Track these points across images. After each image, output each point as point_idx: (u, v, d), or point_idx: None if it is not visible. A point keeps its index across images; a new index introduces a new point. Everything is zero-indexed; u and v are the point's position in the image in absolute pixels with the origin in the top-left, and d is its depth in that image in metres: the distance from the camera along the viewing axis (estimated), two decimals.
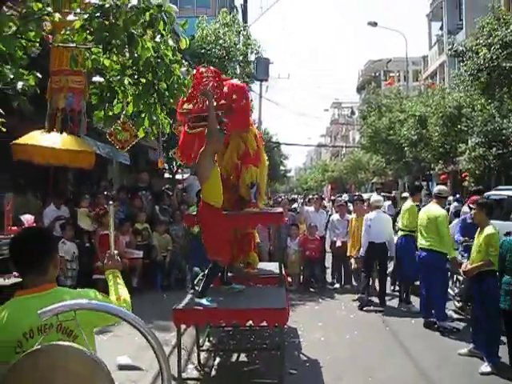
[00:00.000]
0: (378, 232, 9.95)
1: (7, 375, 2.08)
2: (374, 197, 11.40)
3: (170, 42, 3.48)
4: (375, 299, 10.18)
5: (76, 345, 2.20)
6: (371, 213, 10.37)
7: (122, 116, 3.71)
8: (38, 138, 10.02)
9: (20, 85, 3.35)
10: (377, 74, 59.63)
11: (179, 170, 18.17)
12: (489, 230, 6.64)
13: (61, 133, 8.01)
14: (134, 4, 3.16)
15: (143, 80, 3.43)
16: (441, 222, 8.08)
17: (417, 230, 8.86)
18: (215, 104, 6.17)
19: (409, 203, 9.86)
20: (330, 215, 13.22)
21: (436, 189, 9.20)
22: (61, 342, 2.20)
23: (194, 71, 6.49)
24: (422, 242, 8.38)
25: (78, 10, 3.32)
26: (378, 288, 10.27)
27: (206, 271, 6.00)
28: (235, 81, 6.95)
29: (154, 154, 14.03)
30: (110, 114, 3.59)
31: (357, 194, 23.05)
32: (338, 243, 11.88)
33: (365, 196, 16.06)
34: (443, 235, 8.03)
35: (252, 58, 18.89)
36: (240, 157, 6.81)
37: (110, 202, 2.85)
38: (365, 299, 9.87)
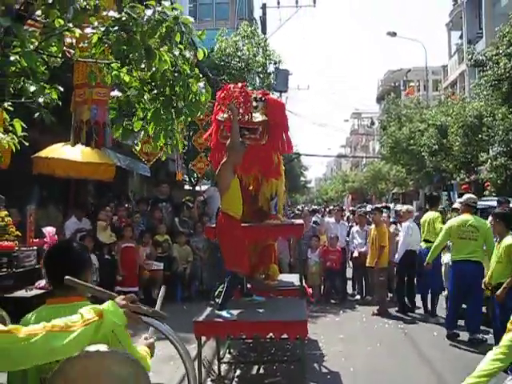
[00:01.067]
0: (416, 240, 10.18)
1: (52, 379, 2.12)
2: (407, 207, 11.40)
3: (187, 55, 3.48)
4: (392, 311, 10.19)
5: (117, 348, 2.24)
6: (409, 221, 10.53)
7: (142, 134, 3.72)
8: (58, 151, 10.14)
9: (42, 99, 3.39)
10: (396, 84, 59.35)
11: (199, 182, 18.24)
12: (508, 240, 6.55)
13: (86, 146, 8.06)
14: (150, 16, 3.18)
15: (161, 97, 3.44)
16: (489, 234, 7.84)
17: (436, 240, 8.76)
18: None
19: (431, 213, 9.80)
20: (350, 226, 13.15)
21: (466, 198, 8.73)
22: (101, 347, 2.22)
23: (222, 89, 6.69)
24: (460, 254, 8.07)
25: (96, 24, 3.35)
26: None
27: (226, 283, 5.99)
28: (277, 97, 7.07)
29: (174, 165, 14.09)
30: (130, 128, 3.61)
31: (383, 204, 22.96)
32: (355, 253, 11.88)
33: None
34: (490, 245, 7.68)
35: (271, 69, 18.96)
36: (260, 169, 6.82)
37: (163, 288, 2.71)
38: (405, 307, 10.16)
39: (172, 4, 3.46)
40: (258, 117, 6.40)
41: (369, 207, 24.15)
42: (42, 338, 1.99)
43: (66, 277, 2.42)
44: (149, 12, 3.18)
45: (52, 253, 2.83)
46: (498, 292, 6.67)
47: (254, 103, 6.52)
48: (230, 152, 5.92)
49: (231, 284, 5.96)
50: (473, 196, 8.98)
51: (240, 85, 6.72)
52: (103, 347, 2.20)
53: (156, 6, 3.20)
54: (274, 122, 6.53)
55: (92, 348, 2.15)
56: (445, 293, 9.66)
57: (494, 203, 11.03)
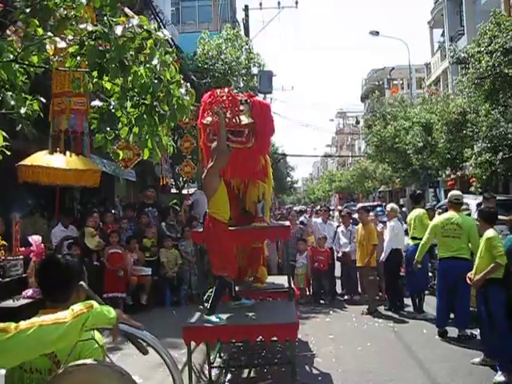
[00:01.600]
0: (401, 238, 10.48)
1: None
2: (392, 205, 11.46)
3: (169, 59, 3.45)
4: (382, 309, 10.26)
5: (103, 361, 2.25)
6: (394, 220, 10.66)
7: (130, 139, 3.70)
8: (42, 158, 10.07)
9: (23, 110, 3.36)
10: (380, 83, 59.63)
11: (185, 185, 18.19)
12: (488, 233, 6.61)
13: (64, 154, 8.05)
14: (122, 32, 3.16)
15: (145, 102, 3.43)
16: (473, 231, 7.94)
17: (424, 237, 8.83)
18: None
19: (417, 211, 9.87)
20: (338, 226, 13.18)
21: (450, 195, 8.82)
22: (87, 361, 2.24)
23: (209, 93, 6.67)
24: (447, 252, 8.16)
25: (71, 37, 3.33)
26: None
27: (214, 288, 5.99)
28: (262, 100, 7.03)
29: (159, 170, 14.05)
30: (109, 138, 3.59)
31: (376, 203, 23.16)
32: (340, 254, 12.04)
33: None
34: (474, 243, 7.71)
35: (255, 71, 18.95)
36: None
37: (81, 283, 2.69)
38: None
39: (154, 9, 3.44)
40: (243, 120, 6.38)
41: (359, 205, 24.07)
42: (34, 331, 2.06)
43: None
44: (119, 28, 3.15)
45: (45, 264, 2.85)
46: (475, 278, 6.69)
47: (241, 107, 6.52)
48: (216, 156, 5.89)
49: (219, 288, 5.96)
50: (456, 192, 9.02)
51: (227, 89, 6.71)
52: (90, 360, 2.19)
53: (127, 23, 3.18)
54: (260, 124, 6.52)
55: (79, 362, 2.15)
56: None
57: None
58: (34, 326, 2.07)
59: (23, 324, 2.09)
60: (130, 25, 3.15)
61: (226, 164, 6.04)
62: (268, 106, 7.16)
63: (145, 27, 3.20)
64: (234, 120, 6.32)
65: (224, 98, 6.40)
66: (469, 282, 6.90)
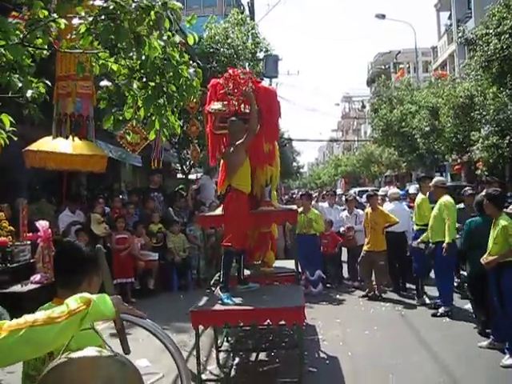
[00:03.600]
0: (403, 222, 10.44)
1: None
2: (392, 189, 11.48)
3: (177, 39, 3.44)
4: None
5: (101, 349, 2.19)
6: (389, 204, 10.90)
7: (134, 120, 3.69)
8: (49, 144, 10.08)
9: (30, 93, 3.34)
10: (386, 67, 59.32)
11: (192, 170, 18.19)
12: (503, 222, 6.57)
13: (67, 138, 8.04)
14: (138, 3, 3.13)
15: (151, 83, 3.41)
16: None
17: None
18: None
19: (419, 197, 9.83)
20: (343, 209, 13.16)
21: (436, 180, 9.40)
22: (86, 351, 2.18)
23: (230, 71, 6.61)
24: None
25: (83, 14, 3.30)
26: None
27: (222, 263, 6.00)
28: (267, 85, 6.96)
29: (167, 154, 14.05)
30: (120, 118, 3.57)
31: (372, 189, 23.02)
32: (342, 229, 12.03)
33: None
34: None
35: (261, 55, 18.84)
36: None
37: (98, 246, 2.60)
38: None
39: None
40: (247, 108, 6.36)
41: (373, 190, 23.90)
42: (26, 332, 1.91)
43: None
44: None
45: (56, 253, 2.84)
46: (489, 259, 6.65)
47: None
48: (249, 134, 6.00)
49: (225, 261, 5.99)
50: (441, 178, 9.50)
51: (246, 70, 6.67)
52: (91, 351, 2.16)
53: None
54: (266, 111, 6.48)
55: (79, 353, 2.12)
56: None
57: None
58: (24, 327, 1.91)
59: (14, 324, 1.93)
60: None
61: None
62: (273, 91, 7.09)
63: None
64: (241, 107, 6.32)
65: (245, 80, 6.38)
66: (483, 262, 6.89)
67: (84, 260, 2.71)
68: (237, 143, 6.04)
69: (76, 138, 8.34)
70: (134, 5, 3.11)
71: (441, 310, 8.54)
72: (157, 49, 3.22)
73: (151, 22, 3.18)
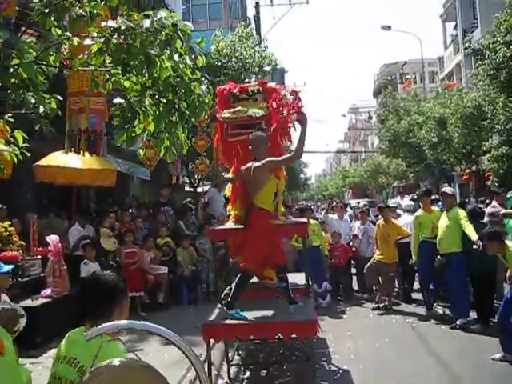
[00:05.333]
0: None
1: None
2: (406, 201, 11.54)
3: (188, 61, 3.46)
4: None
5: (138, 359, 2.20)
6: (407, 216, 11.21)
7: (145, 135, 3.72)
8: (59, 158, 10.14)
9: (42, 109, 3.38)
10: (393, 78, 59.38)
11: (200, 183, 18.21)
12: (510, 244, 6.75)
13: (81, 153, 8.07)
14: (148, 26, 3.17)
15: (164, 100, 3.43)
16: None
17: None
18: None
19: (418, 212, 9.73)
20: (351, 220, 13.14)
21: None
22: (115, 360, 2.17)
23: (272, 84, 6.57)
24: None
25: (95, 34, 3.34)
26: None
27: (236, 281, 5.93)
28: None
29: (173, 168, 14.06)
30: (133, 134, 3.60)
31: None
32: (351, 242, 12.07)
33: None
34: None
35: (267, 68, 18.94)
36: None
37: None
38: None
39: (167, 8, 3.44)
40: (256, 112, 6.30)
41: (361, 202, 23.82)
42: None
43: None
44: (147, 21, 3.17)
45: (85, 285, 2.89)
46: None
47: (256, 96, 6.46)
48: (291, 157, 6.02)
49: (242, 281, 5.87)
50: (450, 188, 9.93)
51: (291, 89, 6.45)
52: (117, 359, 2.16)
53: (154, 16, 3.19)
54: (279, 108, 6.25)
55: (106, 362, 2.11)
56: None
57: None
58: None
59: None
60: (158, 17, 3.16)
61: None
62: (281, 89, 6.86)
63: (174, 18, 3.20)
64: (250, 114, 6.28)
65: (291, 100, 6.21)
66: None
67: (114, 291, 2.74)
68: (267, 161, 5.87)
69: (86, 153, 8.38)
70: (145, 26, 3.14)
71: (458, 321, 8.42)
72: (168, 69, 3.25)
73: (162, 43, 3.21)
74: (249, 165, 6.01)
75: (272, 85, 6.77)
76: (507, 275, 6.94)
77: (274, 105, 6.25)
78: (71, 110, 7.70)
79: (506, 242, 6.91)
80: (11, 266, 4.03)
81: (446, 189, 9.45)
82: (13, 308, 3.61)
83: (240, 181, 6.36)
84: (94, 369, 2.06)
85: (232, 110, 6.42)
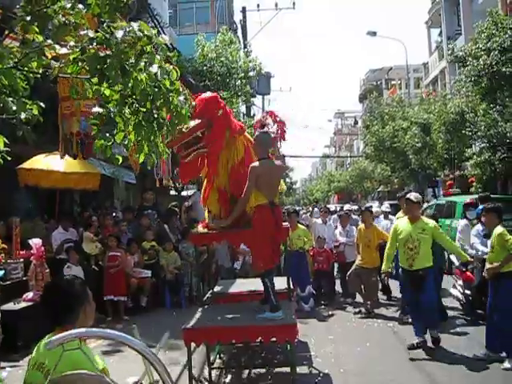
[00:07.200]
0: None
1: None
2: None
3: (161, 75, 3.45)
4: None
5: (89, 372, 2.23)
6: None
7: (127, 142, 3.74)
8: (42, 162, 10.13)
9: (23, 115, 3.39)
10: (378, 83, 59.76)
11: (185, 187, 18.20)
12: (497, 230, 6.78)
13: (74, 157, 8.04)
14: (121, 37, 3.20)
15: (143, 109, 3.47)
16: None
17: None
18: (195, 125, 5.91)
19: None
20: (335, 227, 13.22)
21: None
22: (75, 372, 2.22)
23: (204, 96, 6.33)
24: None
25: (72, 43, 3.36)
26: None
27: (267, 283, 5.91)
28: (205, 94, 6.55)
29: (158, 172, 14.06)
30: (109, 144, 3.60)
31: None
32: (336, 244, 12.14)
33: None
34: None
35: (253, 73, 19.00)
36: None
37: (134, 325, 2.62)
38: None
39: (154, 15, 3.49)
40: (191, 124, 5.83)
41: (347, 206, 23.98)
42: None
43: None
44: (120, 32, 3.20)
45: (48, 290, 2.92)
46: (489, 267, 6.94)
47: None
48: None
49: (271, 281, 5.92)
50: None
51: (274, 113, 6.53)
52: (75, 371, 2.21)
53: (127, 27, 3.23)
54: (211, 117, 6.10)
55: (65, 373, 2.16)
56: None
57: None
58: None
59: None
60: (131, 28, 3.19)
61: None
62: (211, 97, 6.39)
63: (145, 32, 3.24)
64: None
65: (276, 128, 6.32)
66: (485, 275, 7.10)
67: (73, 297, 2.77)
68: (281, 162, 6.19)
69: (67, 157, 8.40)
70: (119, 37, 3.17)
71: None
72: (142, 81, 3.28)
73: (137, 54, 3.25)
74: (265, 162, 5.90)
75: (201, 96, 6.48)
76: (485, 268, 7.07)
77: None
78: (63, 115, 7.72)
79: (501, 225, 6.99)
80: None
81: (411, 195, 8.12)
82: None
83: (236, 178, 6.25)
84: (51, 379, 2.10)
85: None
